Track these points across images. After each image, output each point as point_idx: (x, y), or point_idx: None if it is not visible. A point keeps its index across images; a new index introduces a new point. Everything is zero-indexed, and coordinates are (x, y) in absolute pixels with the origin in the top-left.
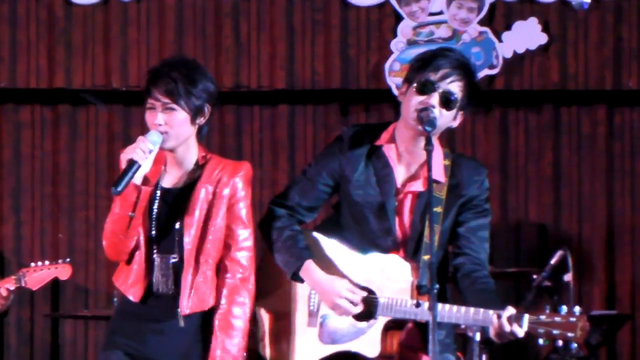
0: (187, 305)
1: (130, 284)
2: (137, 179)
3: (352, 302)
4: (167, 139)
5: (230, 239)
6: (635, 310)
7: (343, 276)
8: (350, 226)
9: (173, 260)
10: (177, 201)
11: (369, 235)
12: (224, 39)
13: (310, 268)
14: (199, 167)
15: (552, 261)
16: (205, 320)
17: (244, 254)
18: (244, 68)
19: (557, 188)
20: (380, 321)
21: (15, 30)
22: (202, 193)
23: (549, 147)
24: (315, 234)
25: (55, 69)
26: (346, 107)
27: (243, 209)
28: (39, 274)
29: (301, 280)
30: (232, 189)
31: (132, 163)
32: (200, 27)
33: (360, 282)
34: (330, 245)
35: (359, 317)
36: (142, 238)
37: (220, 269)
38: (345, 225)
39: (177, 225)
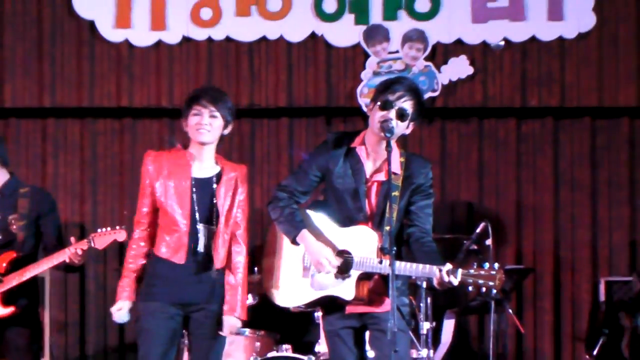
0: (218, 262)
1: (173, 250)
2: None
3: (330, 263)
4: (206, 134)
5: (239, 220)
6: (536, 264)
7: (328, 243)
8: (333, 205)
9: (213, 229)
10: (208, 187)
11: (346, 212)
12: (242, 70)
13: (305, 235)
14: (217, 164)
15: (477, 230)
16: (224, 274)
17: (244, 232)
18: (256, 92)
19: (481, 177)
20: (354, 274)
21: (93, 65)
22: (227, 183)
23: (475, 148)
24: (309, 211)
25: (121, 92)
26: (330, 119)
27: (245, 199)
28: (103, 237)
29: (297, 244)
30: (242, 183)
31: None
32: (225, 62)
33: (340, 246)
34: (320, 219)
35: (339, 271)
36: (185, 215)
37: (232, 240)
38: (329, 205)
39: (214, 203)
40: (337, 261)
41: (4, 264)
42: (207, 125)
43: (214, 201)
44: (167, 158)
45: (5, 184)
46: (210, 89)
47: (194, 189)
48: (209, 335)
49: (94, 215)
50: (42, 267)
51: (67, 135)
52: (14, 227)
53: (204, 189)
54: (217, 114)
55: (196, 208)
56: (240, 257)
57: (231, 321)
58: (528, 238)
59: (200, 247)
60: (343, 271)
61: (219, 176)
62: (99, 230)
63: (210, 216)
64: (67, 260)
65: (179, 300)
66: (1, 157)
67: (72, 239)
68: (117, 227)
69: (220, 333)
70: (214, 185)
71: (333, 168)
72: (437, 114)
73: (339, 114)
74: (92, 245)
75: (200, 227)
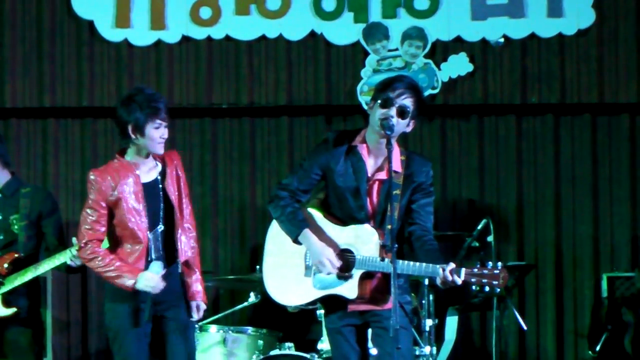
0: (182, 255)
1: (134, 261)
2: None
3: (332, 264)
4: (164, 146)
5: (186, 207)
6: (538, 261)
7: (331, 242)
8: (334, 204)
9: (160, 229)
10: (155, 189)
11: (348, 210)
12: (241, 69)
13: (307, 235)
14: (156, 161)
15: (479, 227)
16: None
17: (192, 214)
18: (256, 90)
19: (482, 174)
20: (357, 272)
21: (92, 65)
22: (171, 177)
23: (475, 145)
24: (310, 209)
25: (121, 92)
26: (330, 118)
27: (185, 181)
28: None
29: (299, 243)
30: (180, 169)
31: (147, 294)
32: (225, 61)
33: (342, 244)
34: (321, 219)
35: (342, 270)
36: (143, 228)
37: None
38: (331, 203)
39: (163, 204)
40: (339, 262)
41: (6, 265)
42: (166, 138)
43: (163, 201)
44: (111, 172)
45: (6, 184)
46: (161, 99)
47: (145, 198)
48: (184, 331)
49: None
50: (43, 268)
51: (67, 135)
52: (16, 227)
53: (152, 193)
54: (168, 124)
55: (147, 217)
56: (193, 241)
57: (202, 306)
58: (529, 234)
59: (152, 254)
60: (345, 272)
61: (163, 174)
62: None
63: (156, 218)
64: (68, 262)
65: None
66: (2, 157)
67: (75, 240)
68: None
69: (194, 318)
70: (160, 186)
71: (334, 166)
72: (437, 111)
73: (339, 112)
74: None
75: (148, 234)
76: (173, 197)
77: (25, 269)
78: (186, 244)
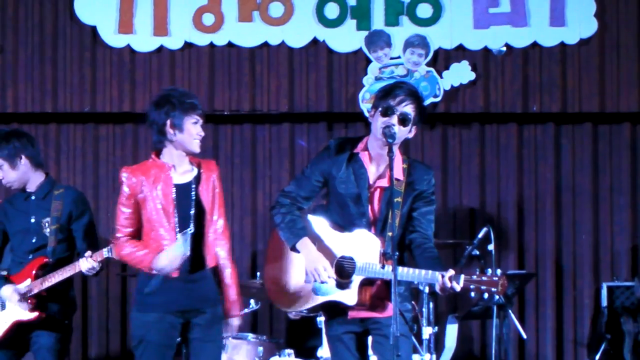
0: (209, 262)
1: None
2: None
3: (325, 273)
4: (199, 145)
5: (219, 217)
6: (538, 270)
7: (329, 252)
8: (336, 211)
9: (190, 232)
10: (188, 192)
11: (349, 217)
12: (243, 76)
13: (305, 243)
14: (193, 165)
15: (479, 235)
16: (214, 274)
17: (226, 227)
18: (258, 97)
19: (483, 183)
20: (357, 279)
21: (95, 70)
22: (207, 183)
23: (476, 154)
24: (311, 217)
25: (123, 98)
26: (331, 125)
27: (222, 193)
28: None
29: (297, 251)
30: (218, 180)
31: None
32: (227, 67)
33: (343, 251)
34: (322, 225)
35: (342, 276)
36: (172, 228)
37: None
38: (332, 210)
39: (194, 208)
40: (333, 273)
41: (34, 271)
42: (202, 135)
43: (195, 205)
44: (143, 171)
45: (39, 187)
46: (196, 97)
47: (176, 199)
48: (211, 339)
49: (96, 221)
50: (60, 276)
51: (69, 140)
52: (47, 230)
53: (185, 195)
54: (203, 122)
55: (177, 218)
56: (224, 253)
57: (235, 322)
58: (530, 243)
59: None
60: (343, 279)
61: (198, 178)
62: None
63: (187, 221)
64: (84, 271)
65: (177, 308)
66: (34, 158)
67: (89, 252)
68: None
69: (225, 335)
70: (193, 189)
71: (336, 173)
72: (439, 119)
73: (341, 119)
74: (111, 255)
75: (179, 236)
76: (206, 202)
77: (44, 276)
78: (209, 254)
